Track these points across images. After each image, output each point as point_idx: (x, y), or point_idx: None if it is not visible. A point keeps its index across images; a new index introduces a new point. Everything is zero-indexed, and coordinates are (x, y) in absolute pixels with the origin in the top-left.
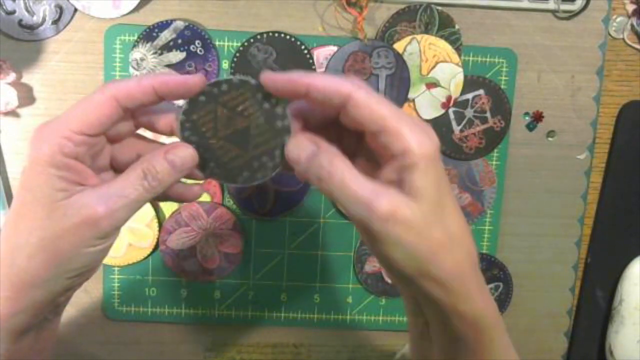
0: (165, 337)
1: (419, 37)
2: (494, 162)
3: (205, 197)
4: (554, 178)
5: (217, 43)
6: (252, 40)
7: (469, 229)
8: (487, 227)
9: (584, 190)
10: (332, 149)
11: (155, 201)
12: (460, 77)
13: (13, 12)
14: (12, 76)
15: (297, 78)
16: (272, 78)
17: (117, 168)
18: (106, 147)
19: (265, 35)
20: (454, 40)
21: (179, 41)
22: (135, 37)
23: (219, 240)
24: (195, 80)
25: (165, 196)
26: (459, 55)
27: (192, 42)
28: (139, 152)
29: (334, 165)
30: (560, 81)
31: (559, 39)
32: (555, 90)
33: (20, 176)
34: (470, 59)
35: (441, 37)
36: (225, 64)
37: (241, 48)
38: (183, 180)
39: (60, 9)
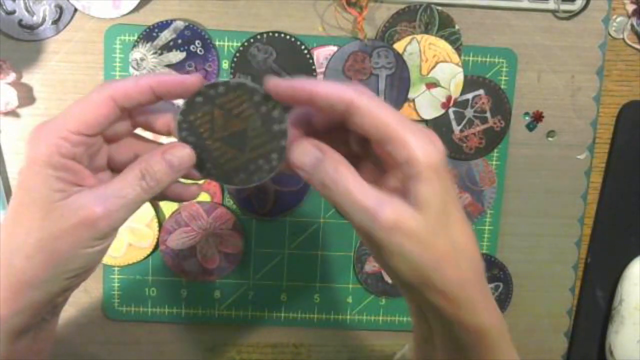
0: (165, 337)
1: (419, 37)
2: (494, 162)
3: (205, 197)
4: (554, 178)
5: (217, 43)
6: (252, 40)
7: (474, 239)
8: (487, 227)
9: (584, 190)
10: (337, 156)
11: (153, 201)
12: (460, 77)
13: (13, 12)
14: (12, 76)
15: (300, 85)
16: (276, 84)
17: (115, 168)
18: (103, 147)
19: (265, 35)
20: (454, 40)
21: (179, 41)
22: (135, 37)
23: (219, 240)
24: (192, 79)
25: (163, 196)
26: (459, 55)
27: (192, 42)
28: (136, 152)
29: (338, 172)
30: (560, 81)
31: (559, 39)
32: (555, 90)
33: (18, 177)
34: (470, 59)
35: (441, 37)
36: (225, 64)
37: (241, 48)
38: (180, 179)
39: (60, 9)
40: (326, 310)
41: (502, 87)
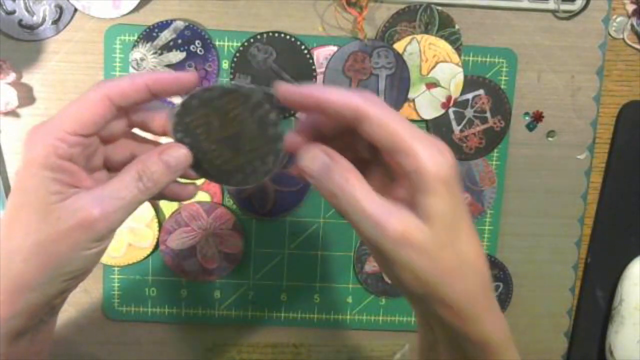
0: (165, 337)
1: (419, 37)
2: (494, 162)
3: (205, 197)
4: (554, 178)
5: (217, 43)
6: (252, 40)
7: (482, 252)
8: (487, 227)
9: (584, 190)
10: (346, 163)
11: (151, 200)
12: (460, 77)
13: (13, 12)
14: (12, 76)
15: (309, 92)
16: (285, 90)
17: (111, 167)
18: (100, 147)
19: (265, 35)
20: (454, 40)
21: (179, 41)
22: (135, 37)
23: (219, 240)
24: (188, 77)
25: (161, 195)
26: (459, 55)
27: (192, 42)
28: (132, 151)
29: (346, 180)
30: (560, 81)
31: (559, 39)
32: (555, 90)
33: (14, 178)
34: (470, 59)
35: (441, 37)
36: (225, 64)
37: (241, 48)
38: (178, 179)
39: (60, 9)
40: (326, 310)
41: (502, 87)
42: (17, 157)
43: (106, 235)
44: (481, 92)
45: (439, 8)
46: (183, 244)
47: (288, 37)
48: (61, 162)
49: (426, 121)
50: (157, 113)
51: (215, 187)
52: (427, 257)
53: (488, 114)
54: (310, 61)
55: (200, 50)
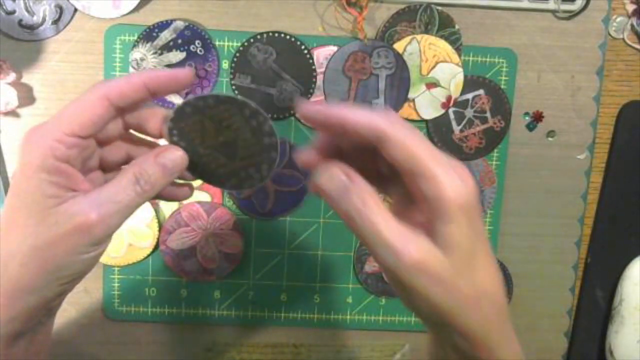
0: (165, 337)
1: (419, 37)
2: (494, 162)
3: (205, 197)
4: (554, 178)
5: (217, 43)
6: (252, 40)
7: (500, 281)
8: (487, 227)
9: (584, 190)
10: (365, 185)
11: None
12: (460, 77)
13: (13, 12)
14: (12, 76)
15: (330, 112)
16: (307, 109)
17: (106, 168)
18: (96, 149)
19: (265, 35)
20: (454, 40)
21: (179, 41)
22: (135, 37)
23: (219, 240)
24: (185, 73)
25: (157, 195)
26: (459, 55)
27: (192, 42)
28: (128, 152)
29: (364, 203)
30: (560, 81)
31: (559, 39)
32: (555, 90)
33: (11, 181)
34: (470, 59)
35: (441, 37)
36: (225, 64)
37: (241, 48)
38: (175, 180)
39: (60, 9)
40: (326, 310)
41: (502, 87)
42: (17, 157)
43: (103, 239)
44: (481, 92)
45: (439, 8)
46: (183, 244)
47: (288, 37)
48: (58, 164)
49: (426, 121)
50: (153, 115)
51: (215, 187)
52: (443, 286)
53: (488, 114)
54: (310, 61)
55: (200, 50)
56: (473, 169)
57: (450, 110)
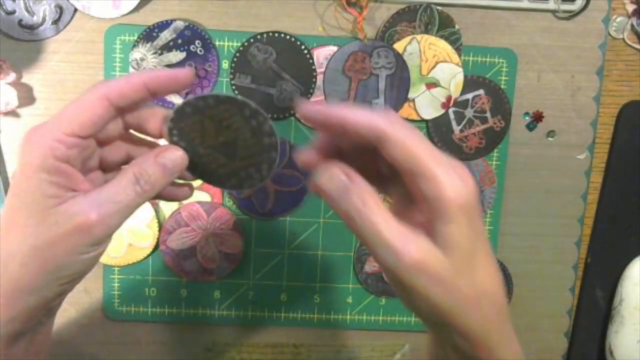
0: (165, 337)
1: (419, 37)
2: (494, 162)
3: (205, 197)
4: (554, 178)
5: (217, 43)
6: (252, 40)
7: (500, 281)
8: (487, 227)
9: (584, 190)
10: (365, 185)
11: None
12: (460, 77)
13: (13, 12)
14: (12, 76)
15: (331, 112)
16: (307, 109)
17: (106, 168)
18: (96, 149)
19: (265, 35)
20: (454, 40)
21: (179, 41)
22: (135, 37)
23: (219, 240)
24: (185, 73)
25: (156, 195)
26: (459, 55)
27: (192, 42)
28: (127, 152)
29: (364, 204)
30: (560, 81)
31: (559, 39)
32: (555, 90)
33: (11, 181)
34: (470, 59)
35: (441, 37)
36: (225, 64)
37: (241, 48)
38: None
39: (60, 9)
40: (326, 310)
41: (502, 87)
42: (17, 157)
43: (103, 239)
44: (481, 92)
45: (439, 8)
46: (183, 244)
47: (288, 37)
48: (58, 164)
49: (426, 121)
50: (153, 115)
51: (215, 187)
52: (443, 286)
53: (488, 114)
54: (310, 61)
55: (200, 50)
56: (473, 169)
57: (450, 110)
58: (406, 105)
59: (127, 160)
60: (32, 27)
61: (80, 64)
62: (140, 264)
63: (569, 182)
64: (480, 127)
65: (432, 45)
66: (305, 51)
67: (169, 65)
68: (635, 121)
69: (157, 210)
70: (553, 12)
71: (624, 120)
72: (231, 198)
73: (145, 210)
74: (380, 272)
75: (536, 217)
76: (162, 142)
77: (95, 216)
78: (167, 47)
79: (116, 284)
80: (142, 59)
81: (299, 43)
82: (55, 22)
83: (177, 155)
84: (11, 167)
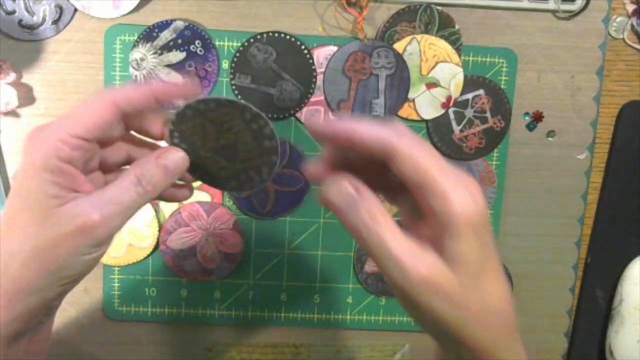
0: (165, 337)
1: (419, 37)
2: (494, 162)
3: (205, 197)
4: (554, 178)
5: (217, 43)
6: (252, 40)
7: (508, 296)
8: None
9: (584, 190)
10: (373, 199)
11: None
12: (460, 77)
13: (13, 12)
14: (12, 76)
15: (338, 127)
16: (315, 124)
17: (106, 168)
18: (97, 150)
19: (265, 35)
20: (454, 40)
21: (179, 41)
22: (135, 37)
23: (219, 240)
24: (194, 87)
25: (157, 196)
26: (459, 55)
27: (192, 42)
28: (128, 152)
29: (373, 218)
30: (560, 81)
31: (559, 39)
32: (555, 90)
33: (13, 181)
34: (470, 59)
35: (441, 37)
36: (225, 64)
37: (241, 48)
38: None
39: (60, 9)
40: (326, 310)
41: (502, 87)
42: (17, 157)
43: (105, 240)
44: (481, 92)
45: (439, 8)
46: (183, 244)
47: (288, 37)
48: (61, 165)
49: (426, 121)
50: (155, 117)
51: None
52: (451, 302)
53: (488, 114)
54: (310, 61)
55: (200, 50)
56: (473, 169)
57: (450, 110)
58: (406, 105)
59: (127, 161)
60: (32, 27)
61: (80, 64)
62: (140, 264)
63: (569, 182)
64: (480, 127)
65: (432, 45)
66: (305, 51)
67: (169, 65)
68: (635, 121)
69: (157, 211)
70: (553, 12)
71: (624, 120)
72: (231, 198)
73: (146, 211)
74: (380, 272)
75: (536, 217)
76: (163, 143)
77: (98, 217)
78: (167, 47)
79: (116, 284)
80: (142, 59)
81: (299, 43)
82: (55, 22)
83: (178, 157)
84: (11, 167)
